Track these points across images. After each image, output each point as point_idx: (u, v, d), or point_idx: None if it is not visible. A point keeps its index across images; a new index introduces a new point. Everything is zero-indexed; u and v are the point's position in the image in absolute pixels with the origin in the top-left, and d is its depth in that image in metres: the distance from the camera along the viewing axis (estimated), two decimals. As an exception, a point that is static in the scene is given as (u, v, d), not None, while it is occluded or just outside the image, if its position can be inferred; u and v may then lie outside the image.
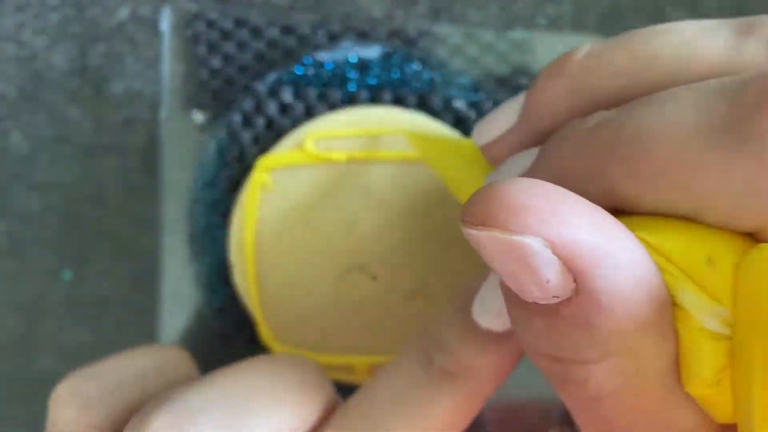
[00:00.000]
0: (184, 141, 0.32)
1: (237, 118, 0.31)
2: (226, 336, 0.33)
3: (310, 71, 0.32)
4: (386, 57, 0.32)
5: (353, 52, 0.32)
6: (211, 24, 0.33)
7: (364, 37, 0.33)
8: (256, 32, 0.32)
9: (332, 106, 0.32)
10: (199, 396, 0.19)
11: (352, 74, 0.32)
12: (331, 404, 0.21)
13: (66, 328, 0.35)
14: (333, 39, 0.33)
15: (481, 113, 0.32)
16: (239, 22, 0.33)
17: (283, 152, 0.30)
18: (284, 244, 0.31)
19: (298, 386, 0.20)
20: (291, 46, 0.32)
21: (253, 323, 0.32)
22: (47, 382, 0.35)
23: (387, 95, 0.32)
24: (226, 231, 0.32)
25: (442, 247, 0.31)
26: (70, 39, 0.33)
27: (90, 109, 0.34)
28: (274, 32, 0.32)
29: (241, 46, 0.33)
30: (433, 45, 0.33)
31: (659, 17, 0.34)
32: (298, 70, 0.32)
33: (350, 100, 0.32)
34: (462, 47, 0.33)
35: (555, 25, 0.34)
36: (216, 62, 0.32)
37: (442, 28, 0.33)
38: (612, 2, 0.34)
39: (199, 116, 0.32)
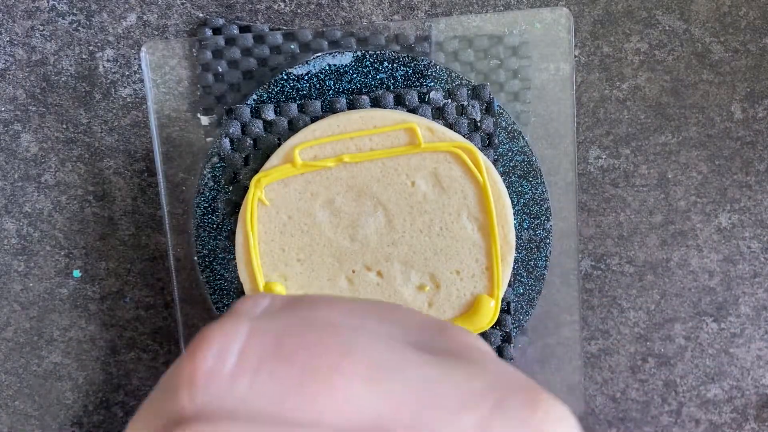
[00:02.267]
0: (190, 143, 0.33)
1: (226, 142, 0.32)
2: None
3: (288, 87, 0.33)
4: (359, 61, 0.33)
5: (326, 61, 0.32)
6: (216, 30, 0.33)
7: (363, 43, 0.33)
8: (260, 38, 0.33)
9: (313, 117, 0.32)
10: None
11: (329, 83, 0.33)
12: None
13: (74, 324, 0.35)
14: (334, 45, 0.33)
15: (457, 101, 0.32)
16: (244, 29, 0.33)
17: (274, 168, 0.31)
18: (289, 255, 0.32)
19: None
20: (293, 52, 0.33)
21: None
22: (56, 378, 0.36)
23: (364, 98, 0.33)
24: (232, 253, 0.33)
25: (440, 235, 0.32)
26: (78, 44, 0.34)
27: (98, 112, 0.34)
28: (277, 38, 0.33)
29: (246, 51, 0.33)
30: (431, 49, 0.34)
31: (651, 23, 0.35)
32: (277, 88, 0.32)
33: (330, 108, 0.32)
34: (459, 52, 0.33)
35: (551, 30, 0.35)
36: (221, 67, 0.33)
37: (440, 33, 0.33)
38: (605, 8, 0.35)
39: (204, 119, 0.33)
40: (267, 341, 0.15)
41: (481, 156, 0.31)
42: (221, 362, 0.15)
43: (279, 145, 0.32)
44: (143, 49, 0.32)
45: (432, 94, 0.32)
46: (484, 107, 0.32)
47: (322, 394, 0.14)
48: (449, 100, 0.32)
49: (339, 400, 0.14)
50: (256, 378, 0.14)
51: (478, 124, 0.33)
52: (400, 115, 0.31)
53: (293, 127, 0.32)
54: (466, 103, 0.32)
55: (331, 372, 0.14)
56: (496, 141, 0.33)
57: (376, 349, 0.15)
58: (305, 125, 0.32)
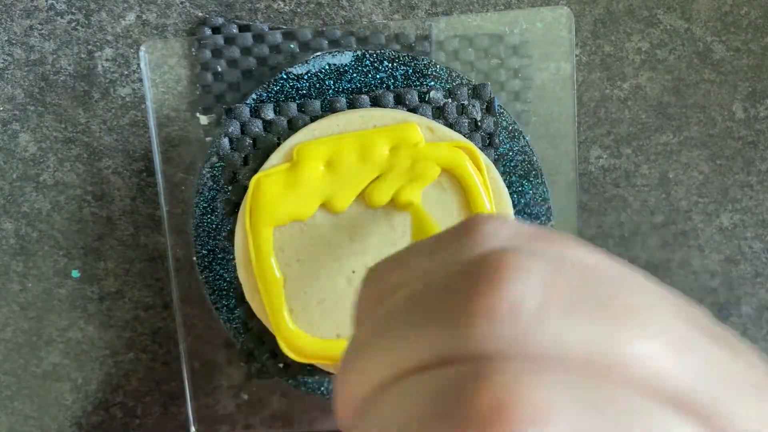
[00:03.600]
0: (189, 143, 0.33)
1: (225, 142, 0.32)
2: (249, 352, 0.33)
3: (288, 86, 0.32)
4: (359, 60, 0.32)
5: (326, 61, 0.32)
6: (215, 30, 0.33)
7: (364, 42, 0.33)
8: (259, 38, 0.33)
9: (313, 116, 0.32)
10: None
11: (329, 82, 0.33)
12: None
13: (73, 325, 0.35)
14: (334, 44, 0.33)
15: (458, 100, 0.32)
16: (243, 28, 0.33)
17: (273, 168, 0.31)
18: (289, 255, 0.32)
19: None
20: (293, 51, 0.33)
21: (272, 336, 0.33)
22: (55, 378, 0.36)
23: (364, 97, 0.33)
24: (231, 253, 0.33)
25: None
26: (77, 43, 0.34)
27: (97, 112, 0.34)
28: (277, 38, 0.33)
29: (245, 51, 0.33)
30: (431, 48, 0.33)
31: (652, 22, 0.35)
32: (276, 87, 0.32)
33: (330, 107, 0.32)
34: (459, 51, 0.33)
35: (551, 29, 0.35)
36: (220, 66, 0.33)
37: (441, 32, 0.33)
38: (606, 7, 0.35)
39: (203, 118, 0.33)
40: (568, 279, 0.13)
41: (481, 155, 0.31)
42: (525, 295, 0.13)
43: (278, 144, 0.32)
44: (142, 48, 0.32)
45: (432, 94, 0.32)
46: (484, 107, 0.32)
47: (642, 348, 0.13)
48: (450, 100, 0.32)
49: (656, 359, 0.13)
50: (564, 319, 0.13)
51: (479, 123, 0.32)
52: (400, 114, 0.31)
53: (293, 127, 0.32)
54: (466, 102, 0.32)
55: (649, 326, 0.13)
56: (497, 141, 0.33)
57: (676, 316, 0.14)
58: (305, 125, 0.32)
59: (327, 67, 0.32)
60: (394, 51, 0.33)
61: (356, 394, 0.14)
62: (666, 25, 0.35)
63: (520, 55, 0.34)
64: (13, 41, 0.34)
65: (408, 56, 0.33)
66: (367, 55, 0.32)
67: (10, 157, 0.34)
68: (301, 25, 0.33)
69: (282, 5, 0.34)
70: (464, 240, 0.15)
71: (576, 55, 0.35)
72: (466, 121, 0.32)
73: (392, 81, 0.33)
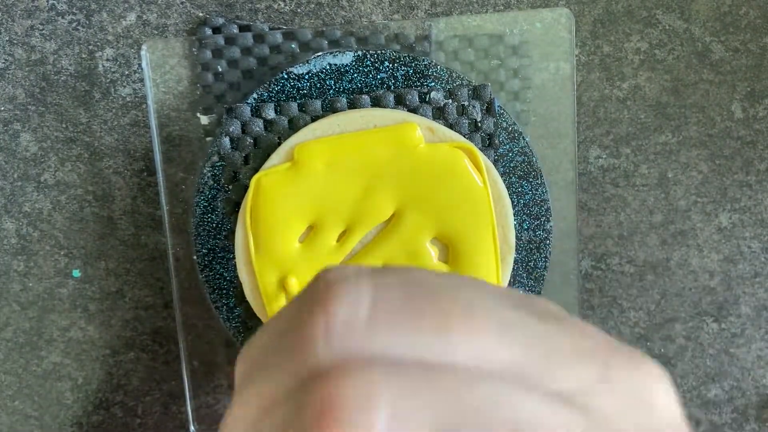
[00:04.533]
0: (189, 143, 0.33)
1: (226, 141, 0.32)
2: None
3: (288, 86, 0.32)
4: (360, 61, 0.33)
5: (326, 61, 0.32)
6: (216, 30, 0.33)
7: (363, 42, 0.33)
8: (260, 38, 0.33)
9: (314, 116, 0.32)
10: None
11: (330, 82, 0.33)
12: None
13: (74, 324, 0.35)
14: (334, 44, 0.33)
15: (458, 101, 0.32)
16: (243, 28, 0.33)
17: (274, 168, 0.31)
18: (290, 254, 0.32)
19: None
20: (293, 51, 0.33)
21: None
22: (55, 378, 0.36)
23: (365, 97, 0.33)
24: (232, 252, 0.33)
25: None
26: (78, 43, 0.34)
27: (98, 112, 0.34)
28: (277, 38, 0.33)
29: (245, 51, 0.33)
30: (431, 49, 0.34)
31: (651, 22, 0.35)
32: (277, 87, 0.32)
33: (330, 107, 0.32)
34: (459, 51, 0.33)
35: (551, 29, 0.35)
36: (221, 67, 0.33)
37: (440, 33, 0.33)
38: (605, 7, 0.35)
39: (204, 118, 0.33)
40: (394, 294, 0.15)
41: (481, 156, 0.31)
42: (355, 312, 0.14)
43: (279, 144, 0.32)
44: (144, 47, 0.32)
45: (433, 94, 0.32)
46: (484, 108, 0.32)
47: (461, 342, 0.14)
48: (450, 100, 0.32)
49: (476, 347, 0.14)
50: (392, 327, 0.14)
51: (479, 124, 0.32)
52: (400, 114, 0.31)
53: (293, 126, 0.32)
54: (466, 103, 0.32)
55: (464, 322, 0.14)
56: (497, 141, 0.33)
57: (495, 306, 0.15)
58: (305, 124, 0.32)
59: (328, 67, 0.32)
60: (394, 51, 0.33)
61: None
62: (665, 25, 0.35)
63: (519, 56, 0.35)
64: (14, 41, 0.34)
65: (409, 56, 0.33)
66: (368, 56, 0.32)
67: (11, 157, 0.34)
68: (301, 26, 0.33)
69: (282, 5, 0.34)
70: (314, 284, 0.16)
71: (575, 56, 0.35)
72: (467, 121, 0.32)
73: (393, 81, 0.33)
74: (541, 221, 0.33)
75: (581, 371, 0.15)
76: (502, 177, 0.32)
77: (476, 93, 0.32)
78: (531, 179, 0.33)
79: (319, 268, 0.31)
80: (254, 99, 0.32)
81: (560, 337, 0.15)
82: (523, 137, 0.33)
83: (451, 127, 0.32)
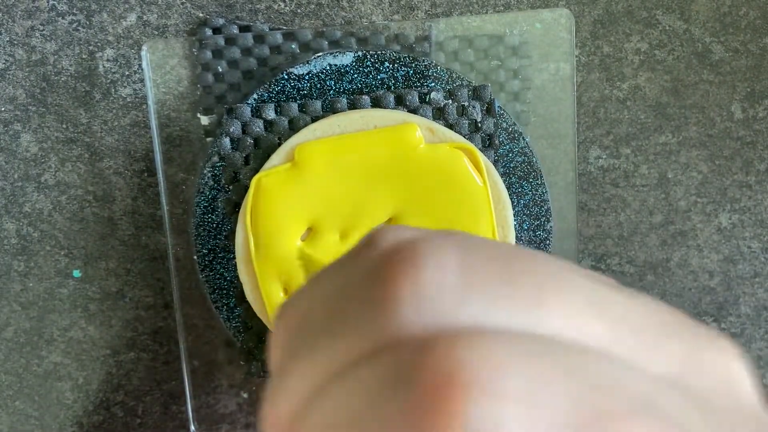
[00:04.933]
0: (190, 143, 0.33)
1: (226, 142, 0.32)
2: (249, 351, 0.34)
3: (289, 86, 0.32)
4: (360, 61, 0.33)
5: (327, 61, 0.32)
6: (216, 30, 0.33)
7: (363, 43, 0.33)
8: (260, 38, 0.33)
9: (314, 116, 0.32)
10: None
11: (330, 83, 0.33)
12: None
13: (74, 324, 0.35)
14: (334, 44, 0.33)
15: (458, 101, 0.32)
16: (243, 29, 0.33)
17: (274, 168, 0.31)
18: (290, 254, 0.32)
19: None
20: (294, 52, 0.33)
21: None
22: (56, 378, 0.36)
23: (365, 98, 0.33)
24: (232, 252, 0.33)
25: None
26: (78, 44, 0.34)
27: (98, 112, 0.34)
28: (277, 38, 0.33)
29: (246, 51, 0.33)
30: (431, 49, 0.34)
31: (651, 22, 0.35)
32: (278, 87, 0.32)
33: (331, 108, 0.32)
34: (459, 52, 0.33)
35: (551, 30, 0.35)
36: (221, 67, 0.33)
37: (440, 33, 0.33)
38: (605, 8, 0.35)
39: (204, 119, 0.33)
40: (481, 259, 0.14)
41: (481, 157, 0.31)
42: (443, 276, 0.13)
43: (279, 144, 0.32)
44: (144, 47, 0.32)
45: (433, 95, 0.32)
46: (484, 108, 0.32)
47: (555, 313, 0.13)
48: (450, 101, 0.32)
49: (569, 318, 0.13)
50: (485, 293, 0.13)
51: (479, 124, 0.33)
52: (400, 115, 0.31)
53: (294, 127, 0.32)
54: (466, 103, 0.32)
55: (557, 295, 0.13)
56: (497, 142, 0.33)
57: (577, 278, 0.14)
58: (306, 125, 0.32)
59: (328, 67, 0.32)
60: (395, 52, 0.33)
61: (287, 410, 0.14)
62: (665, 25, 0.35)
63: (519, 56, 0.35)
64: (15, 42, 0.34)
65: (409, 57, 0.33)
66: (368, 56, 0.32)
67: (11, 158, 0.34)
68: (301, 26, 0.33)
69: (282, 6, 0.34)
70: (372, 244, 0.15)
71: (575, 56, 0.35)
72: (467, 122, 0.32)
73: (393, 82, 0.33)
74: (541, 221, 0.33)
75: (671, 350, 0.14)
76: (502, 177, 0.32)
77: (476, 93, 0.32)
78: (531, 179, 0.33)
79: (319, 268, 0.31)
80: (254, 99, 0.32)
81: (645, 313, 0.14)
82: (523, 137, 0.33)
83: (451, 127, 0.32)
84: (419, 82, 0.33)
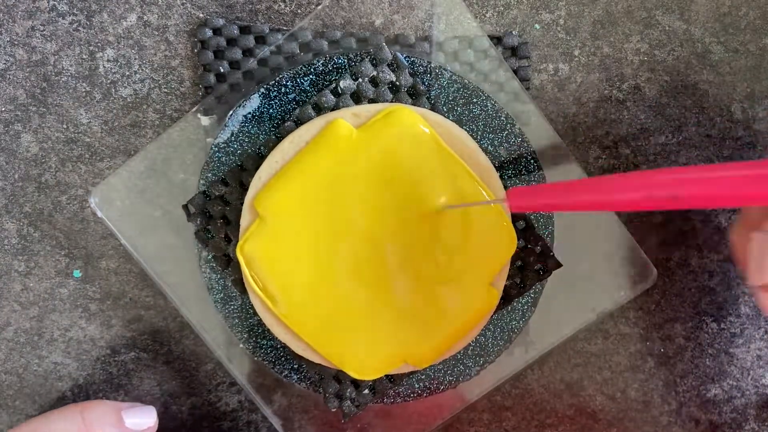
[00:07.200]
0: (190, 143, 0.33)
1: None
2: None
3: (274, 94, 0.33)
4: (265, 97, 0.32)
5: (240, 114, 0.32)
6: (216, 31, 0.33)
7: (363, 42, 0.33)
8: (260, 39, 0.33)
9: (302, 122, 0.32)
10: None
11: (254, 130, 0.33)
12: None
13: (75, 324, 0.35)
14: (334, 45, 0.33)
15: (365, 75, 0.32)
16: (244, 29, 0.33)
17: (248, 232, 0.31)
18: (307, 287, 0.32)
19: None
20: (293, 52, 0.33)
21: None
22: (56, 378, 0.36)
23: (288, 124, 0.32)
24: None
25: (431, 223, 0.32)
26: (78, 44, 0.34)
27: (98, 112, 0.34)
28: (277, 39, 0.33)
29: (247, 52, 0.33)
30: (431, 49, 0.34)
31: (651, 23, 0.35)
32: (260, 101, 0.32)
33: (269, 146, 0.32)
34: (459, 52, 0.33)
35: (550, 31, 0.35)
36: (222, 68, 0.33)
37: (441, 34, 0.34)
38: (605, 9, 0.35)
39: (204, 119, 0.33)
40: None
41: (413, 109, 0.31)
42: None
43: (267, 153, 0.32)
44: (92, 198, 0.32)
45: (342, 84, 0.32)
46: (393, 66, 0.32)
47: None
48: (360, 80, 0.32)
49: None
50: None
51: (397, 83, 0.32)
52: (323, 118, 0.31)
53: (280, 137, 0.32)
54: (375, 73, 0.32)
55: None
56: (421, 87, 0.32)
57: None
58: (291, 132, 0.32)
59: (243, 119, 0.33)
60: (292, 63, 0.33)
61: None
62: (664, 26, 0.35)
63: (518, 57, 0.35)
64: (15, 42, 0.34)
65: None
66: (272, 89, 0.32)
67: (12, 158, 0.34)
68: (301, 27, 0.33)
69: (282, 6, 0.34)
70: None
71: (575, 56, 0.35)
72: (386, 88, 0.32)
73: (304, 96, 0.33)
74: (507, 129, 0.33)
75: None
76: (447, 114, 0.32)
77: (376, 59, 0.32)
78: (474, 99, 0.33)
79: (337, 288, 0.31)
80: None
81: None
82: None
83: (374, 101, 0.32)
84: (328, 80, 0.33)
